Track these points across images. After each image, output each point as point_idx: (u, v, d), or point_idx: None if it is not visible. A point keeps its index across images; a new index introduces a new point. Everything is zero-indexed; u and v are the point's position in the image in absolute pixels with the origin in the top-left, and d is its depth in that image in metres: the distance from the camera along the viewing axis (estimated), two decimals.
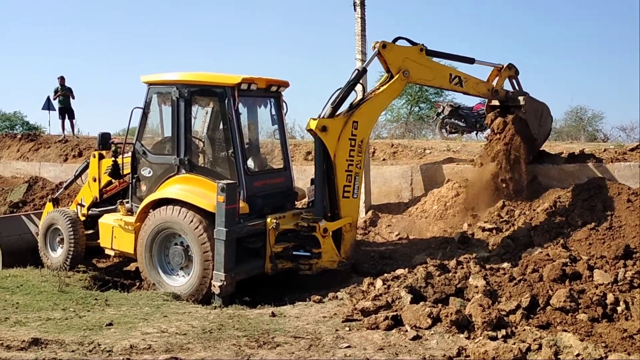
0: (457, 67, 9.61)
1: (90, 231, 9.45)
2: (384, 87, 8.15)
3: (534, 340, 5.18)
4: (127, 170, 8.88)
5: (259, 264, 7.85)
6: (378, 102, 8.20)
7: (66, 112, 17.56)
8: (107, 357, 4.85)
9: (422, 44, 8.40)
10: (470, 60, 9.00)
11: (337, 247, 7.95)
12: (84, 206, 9.65)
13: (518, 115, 9.14)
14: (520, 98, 9.12)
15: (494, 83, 9.18)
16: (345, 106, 8.01)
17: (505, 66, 9.19)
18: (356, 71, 8.22)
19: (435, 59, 8.88)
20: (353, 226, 8.22)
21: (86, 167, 10.00)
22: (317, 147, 7.93)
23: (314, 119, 7.77)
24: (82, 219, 9.55)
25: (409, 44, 8.41)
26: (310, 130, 7.89)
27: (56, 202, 10.60)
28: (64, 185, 11.25)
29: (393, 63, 8.18)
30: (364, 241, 9.71)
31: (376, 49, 8.06)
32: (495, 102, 9.44)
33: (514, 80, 9.43)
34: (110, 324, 5.98)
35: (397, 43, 8.28)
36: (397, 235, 9.88)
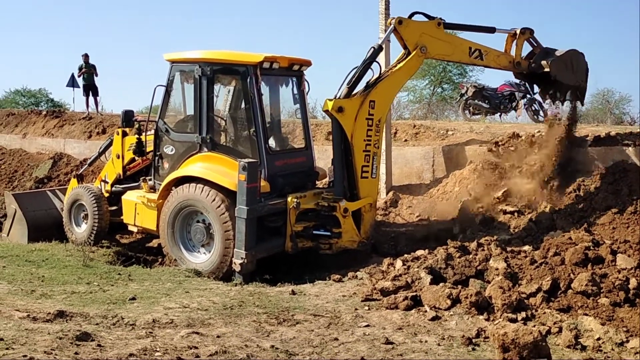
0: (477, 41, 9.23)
1: (114, 207, 9.58)
2: (401, 64, 8.03)
3: (554, 323, 5.17)
4: (150, 147, 8.96)
5: (280, 243, 7.91)
6: (395, 80, 8.08)
7: (90, 89, 17.73)
8: (130, 330, 4.94)
9: (440, 18, 8.10)
10: (491, 30, 8.51)
11: (357, 227, 7.96)
12: (107, 182, 9.77)
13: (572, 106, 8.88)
14: (543, 63, 8.49)
15: (513, 54, 8.65)
16: (362, 85, 7.93)
17: (518, 32, 8.55)
18: (372, 49, 8.02)
19: (454, 32, 8.69)
20: (373, 206, 8.20)
21: (110, 144, 10.10)
22: (334, 128, 7.92)
23: (330, 100, 7.74)
24: (106, 195, 9.68)
25: (425, 19, 8.15)
26: (327, 111, 7.86)
27: (80, 179, 10.75)
28: (88, 161, 11.40)
29: (409, 39, 7.97)
30: (384, 222, 9.70)
31: (392, 26, 7.90)
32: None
33: (531, 40, 8.76)
34: (134, 299, 6.10)
35: (413, 18, 8.07)
36: (417, 216, 9.85)
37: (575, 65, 8.77)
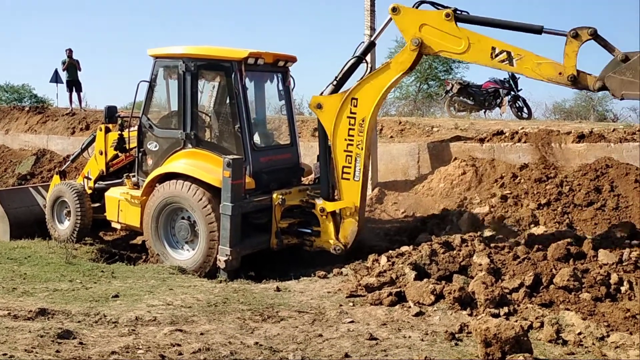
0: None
1: (97, 204, 9.51)
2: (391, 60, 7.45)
3: (536, 318, 5.22)
4: (133, 144, 8.90)
5: (265, 240, 7.89)
6: (381, 78, 7.37)
7: (74, 85, 17.55)
8: (112, 328, 4.91)
9: (453, 8, 6.94)
10: (536, 30, 6.66)
11: (338, 230, 7.82)
12: (90, 179, 9.70)
13: None
14: (598, 84, 6.31)
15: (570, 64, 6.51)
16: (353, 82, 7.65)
17: (568, 35, 6.39)
18: (361, 44, 7.71)
19: (474, 28, 7.08)
20: (354, 213, 7.67)
21: (93, 140, 10.02)
22: (319, 125, 7.81)
23: (315, 96, 7.68)
24: (89, 192, 9.60)
25: (433, 8, 7.15)
26: (311, 107, 7.80)
27: (63, 175, 10.65)
28: (71, 158, 11.30)
29: (406, 30, 7.10)
30: (370, 218, 9.72)
31: (389, 16, 7.19)
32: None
33: (599, 42, 6.40)
34: (117, 296, 6.06)
35: (420, 8, 7.16)
36: (403, 212, 9.89)
37: None
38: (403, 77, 7.61)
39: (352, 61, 7.62)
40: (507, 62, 6.73)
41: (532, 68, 6.66)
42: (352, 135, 7.50)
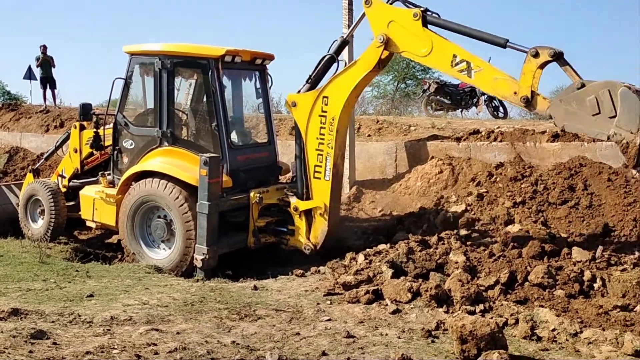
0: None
1: (72, 203, 9.38)
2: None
3: (511, 315, 5.28)
4: (108, 141, 8.80)
5: (242, 238, 7.87)
6: (349, 76, 7.26)
7: (48, 81, 17.29)
8: (87, 327, 4.85)
9: (422, 9, 6.73)
10: (501, 43, 6.33)
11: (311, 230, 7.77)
12: (65, 177, 9.56)
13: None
14: (549, 110, 6.03)
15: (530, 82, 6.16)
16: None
17: (528, 53, 6.04)
18: (334, 42, 7.58)
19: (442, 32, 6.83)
20: (324, 213, 7.60)
21: (67, 138, 9.89)
22: (295, 123, 7.78)
23: (291, 94, 7.63)
24: (63, 190, 9.47)
25: (404, 7, 6.99)
26: (287, 105, 7.74)
27: (37, 173, 10.49)
28: (45, 155, 11.13)
29: (375, 24, 6.95)
30: (347, 217, 9.73)
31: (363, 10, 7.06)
32: None
33: (559, 65, 6.01)
34: (91, 296, 5.98)
35: (394, 5, 7.01)
36: (380, 211, 9.92)
37: (605, 107, 5.59)
38: (372, 75, 7.51)
39: (326, 61, 7.57)
40: (466, 72, 6.51)
41: (488, 83, 6.48)
42: (323, 134, 7.45)
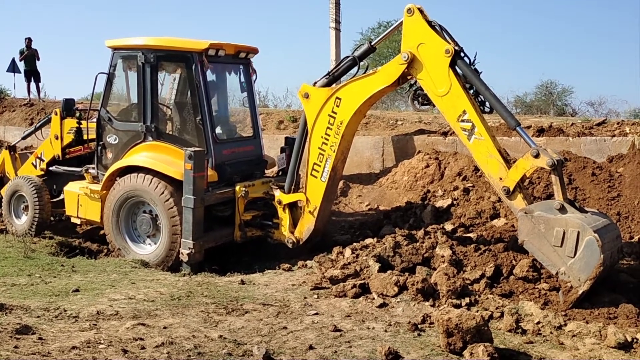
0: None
1: (57, 199, 9.30)
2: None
3: (497, 308, 5.34)
4: (91, 135, 8.73)
5: (228, 232, 7.86)
6: (366, 84, 6.97)
7: (32, 74, 17.10)
8: (73, 322, 4.82)
9: (458, 48, 6.35)
10: (510, 124, 6.28)
11: (296, 224, 7.73)
12: (43, 160, 9.54)
13: None
14: (517, 215, 5.98)
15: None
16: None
17: (529, 152, 5.94)
18: (362, 45, 7.34)
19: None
20: (314, 211, 7.52)
21: (47, 122, 9.82)
22: (302, 115, 7.62)
23: (306, 85, 7.47)
24: (40, 172, 9.43)
25: (443, 37, 6.47)
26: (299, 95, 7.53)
27: (12, 149, 10.40)
28: (23, 135, 10.98)
29: (407, 38, 6.57)
30: (334, 211, 9.75)
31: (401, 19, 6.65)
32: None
33: (552, 174, 5.97)
34: (77, 290, 5.95)
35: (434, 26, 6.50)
36: (367, 205, 9.95)
37: (567, 245, 5.51)
38: (388, 90, 7.21)
39: (348, 62, 7.31)
40: (467, 133, 6.32)
41: (482, 155, 6.31)
42: (329, 135, 7.28)
